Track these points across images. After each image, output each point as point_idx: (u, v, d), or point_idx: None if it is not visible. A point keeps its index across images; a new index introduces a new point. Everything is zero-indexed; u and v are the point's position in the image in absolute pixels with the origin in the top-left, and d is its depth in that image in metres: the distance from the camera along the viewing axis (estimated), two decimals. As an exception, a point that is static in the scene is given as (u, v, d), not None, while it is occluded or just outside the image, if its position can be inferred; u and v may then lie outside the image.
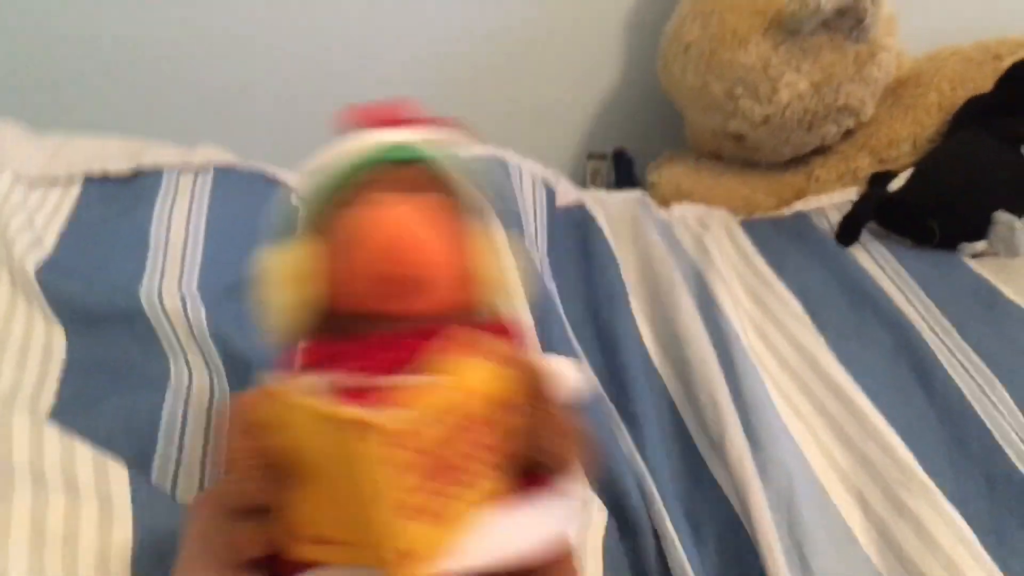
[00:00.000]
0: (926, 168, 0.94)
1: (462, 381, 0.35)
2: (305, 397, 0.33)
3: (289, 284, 0.40)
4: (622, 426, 0.65)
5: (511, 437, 0.36)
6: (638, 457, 0.62)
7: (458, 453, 0.34)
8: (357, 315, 0.39)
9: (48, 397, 0.64)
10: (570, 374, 0.47)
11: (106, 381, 0.65)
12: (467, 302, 0.40)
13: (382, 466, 0.31)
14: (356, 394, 0.35)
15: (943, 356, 0.72)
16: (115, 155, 0.86)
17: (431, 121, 0.45)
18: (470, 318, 0.40)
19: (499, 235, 0.76)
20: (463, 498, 0.34)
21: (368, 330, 0.38)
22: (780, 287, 0.83)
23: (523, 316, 0.71)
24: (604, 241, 0.86)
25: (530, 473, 0.38)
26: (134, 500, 0.51)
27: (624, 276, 0.82)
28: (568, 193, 0.95)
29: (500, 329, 0.42)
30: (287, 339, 0.41)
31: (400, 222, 0.37)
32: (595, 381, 0.69)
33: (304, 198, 0.43)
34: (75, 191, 0.82)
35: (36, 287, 0.70)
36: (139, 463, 0.56)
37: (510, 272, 0.43)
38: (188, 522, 0.39)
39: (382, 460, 0.31)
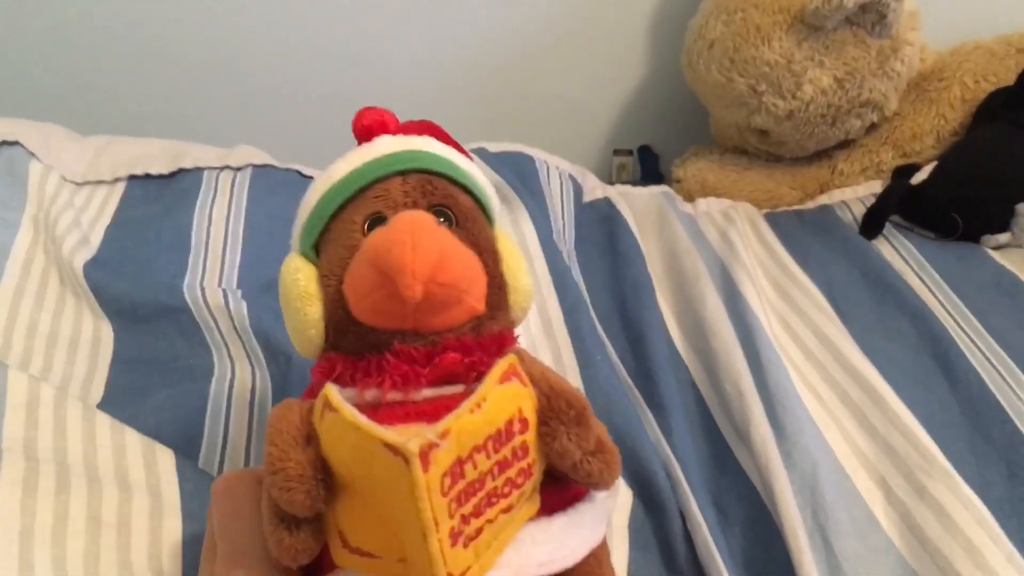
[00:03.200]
0: (949, 161, 0.95)
1: (506, 406, 0.34)
2: (364, 420, 0.32)
3: (303, 299, 0.39)
4: (648, 414, 0.67)
5: (543, 458, 0.37)
6: (664, 444, 0.63)
7: (504, 480, 0.34)
8: (382, 329, 0.37)
9: (97, 390, 0.66)
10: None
11: (153, 374, 0.67)
12: (491, 308, 0.39)
13: (437, 498, 0.31)
14: (392, 412, 0.36)
15: (965, 346, 0.72)
16: (157, 156, 0.89)
17: (425, 129, 0.44)
18: (490, 325, 0.40)
19: (525, 231, 0.78)
20: (509, 523, 0.35)
21: (394, 343, 0.37)
22: (804, 279, 0.84)
23: (549, 311, 0.73)
24: (630, 234, 0.87)
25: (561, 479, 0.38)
26: (181, 487, 0.53)
27: (650, 268, 0.83)
28: (595, 188, 0.97)
29: (511, 335, 0.41)
30: (309, 352, 0.41)
31: (433, 237, 0.35)
32: (621, 370, 0.71)
33: (315, 207, 0.42)
34: (119, 191, 0.85)
35: (84, 284, 0.72)
36: (186, 452, 0.58)
37: (527, 272, 0.43)
38: (218, 506, 0.40)
39: (437, 492, 0.31)
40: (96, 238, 0.79)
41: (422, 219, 0.36)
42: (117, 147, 0.90)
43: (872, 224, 0.90)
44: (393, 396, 0.36)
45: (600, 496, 0.40)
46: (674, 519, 0.58)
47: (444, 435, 0.31)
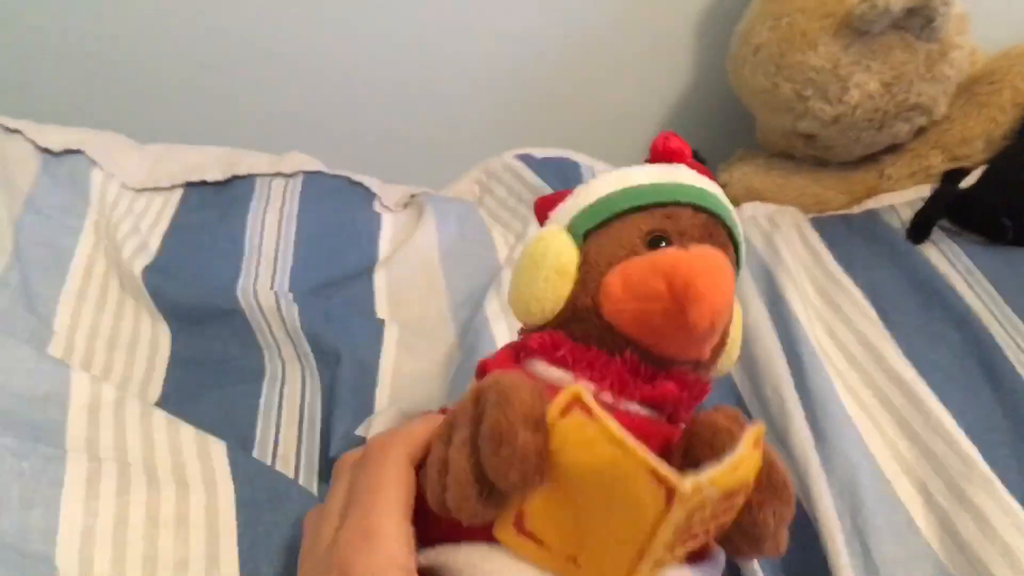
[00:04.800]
0: (999, 165, 0.93)
1: (750, 473, 0.34)
2: (628, 438, 0.32)
3: (558, 272, 0.40)
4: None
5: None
6: (705, 448, 0.64)
7: (710, 527, 0.35)
8: (625, 334, 0.38)
9: (155, 390, 0.69)
10: None
11: (208, 374, 0.70)
12: (713, 355, 0.40)
13: (668, 528, 0.31)
14: (639, 427, 0.36)
15: (1012, 353, 0.72)
16: (212, 164, 0.91)
17: (706, 173, 0.45)
18: (704, 371, 0.41)
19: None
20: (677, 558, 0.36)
21: (627, 351, 0.38)
22: (849, 284, 0.83)
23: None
24: (675, 241, 0.87)
25: None
26: (234, 477, 0.54)
27: (694, 275, 0.83)
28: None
29: (708, 386, 0.42)
30: (530, 320, 0.42)
31: (724, 276, 0.36)
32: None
33: (607, 197, 0.42)
34: (176, 198, 0.88)
35: (143, 288, 0.75)
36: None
37: (740, 329, 0.44)
38: (384, 467, 0.40)
39: (675, 527, 0.32)
40: (154, 243, 0.82)
41: (725, 260, 0.36)
42: (174, 155, 0.93)
43: (920, 229, 0.90)
44: (604, 398, 0.37)
45: (722, 555, 0.41)
46: (711, 521, 0.58)
47: (711, 483, 0.31)
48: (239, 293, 0.74)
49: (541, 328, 0.41)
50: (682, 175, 0.43)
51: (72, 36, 1.08)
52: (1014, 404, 0.67)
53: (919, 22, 0.93)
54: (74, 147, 0.86)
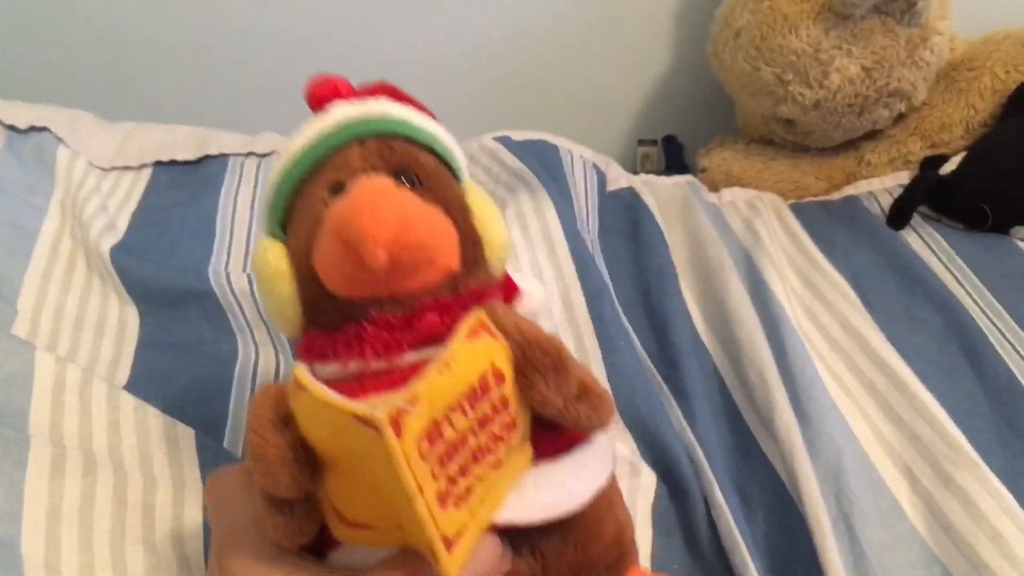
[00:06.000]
0: (979, 151, 0.93)
1: (478, 362, 0.34)
2: (332, 395, 0.32)
3: (274, 278, 0.39)
4: (672, 401, 0.66)
5: (528, 408, 0.37)
6: (688, 431, 0.63)
7: (487, 435, 0.34)
8: (357, 299, 0.37)
9: (123, 372, 0.67)
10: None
11: (178, 357, 0.68)
12: (466, 264, 0.39)
13: (417, 463, 0.31)
14: (377, 380, 0.36)
15: (993, 337, 0.71)
16: (182, 143, 0.89)
17: (381, 91, 0.43)
18: (468, 282, 0.39)
19: (548, 219, 0.78)
20: (500, 478, 0.35)
21: (371, 311, 0.37)
22: (830, 269, 0.83)
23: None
24: (654, 224, 0.87)
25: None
26: (202, 472, 0.53)
27: (674, 258, 0.83)
28: (618, 178, 0.96)
29: (493, 289, 0.41)
30: (290, 331, 0.41)
31: (392, 200, 0.35)
32: (645, 358, 0.71)
33: (276, 184, 0.41)
34: (145, 177, 0.86)
35: (110, 268, 0.73)
36: (210, 435, 0.58)
37: (500, 224, 0.42)
38: (209, 499, 0.41)
39: (415, 457, 0.31)
40: (123, 223, 0.80)
41: (379, 184, 0.36)
42: (144, 133, 0.91)
43: (899, 215, 0.90)
44: (377, 365, 0.36)
45: (600, 439, 0.40)
46: (697, 505, 0.58)
47: (414, 399, 0.31)
48: (210, 275, 0.72)
49: (304, 333, 0.40)
50: (332, 116, 0.41)
51: (40, 12, 1.05)
52: (997, 388, 0.67)
53: (901, 6, 0.92)
54: (40, 124, 0.84)
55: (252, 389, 0.66)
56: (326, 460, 0.35)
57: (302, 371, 0.34)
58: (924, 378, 0.68)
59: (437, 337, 0.36)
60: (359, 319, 0.37)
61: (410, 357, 0.36)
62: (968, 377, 0.69)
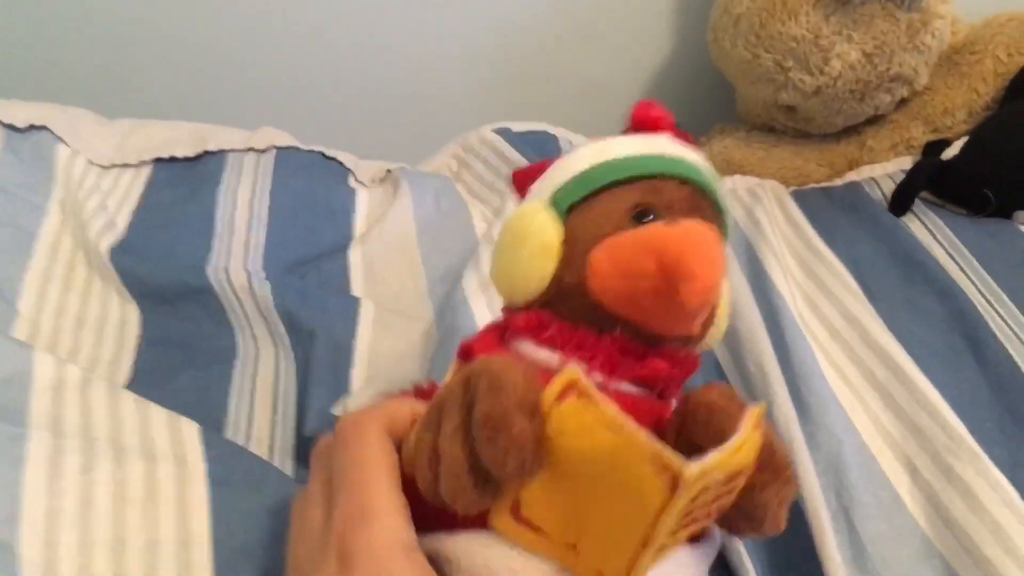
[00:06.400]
0: (981, 136, 0.93)
1: (751, 454, 0.34)
2: (628, 422, 0.31)
3: (542, 252, 0.39)
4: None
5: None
6: (688, 423, 0.63)
7: (708, 510, 0.34)
8: (617, 314, 0.37)
9: (125, 371, 0.67)
10: None
11: (179, 355, 0.68)
12: (702, 330, 0.39)
13: (672, 515, 0.31)
14: (631, 406, 0.34)
15: (996, 325, 0.71)
16: (182, 139, 0.89)
17: (689, 141, 0.43)
18: (692, 346, 0.40)
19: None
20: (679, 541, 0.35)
21: (618, 328, 0.36)
22: (831, 257, 0.83)
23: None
24: (654, 213, 0.86)
25: None
26: (207, 454, 0.52)
27: (674, 247, 0.82)
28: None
29: (697, 361, 0.41)
30: (513, 299, 0.40)
31: (714, 251, 0.35)
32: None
33: (589, 171, 0.41)
34: (145, 175, 0.86)
35: (110, 267, 0.73)
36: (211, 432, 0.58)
37: (729, 307, 0.43)
38: (365, 445, 0.38)
39: (676, 510, 0.31)
40: (122, 221, 0.80)
41: (713, 234, 0.35)
42: (143, 131, 0.91)
43: (901, 201, 0.89)
44: (594, 378, 0.36)
45: (718, 534, 0.40)
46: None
47: (716, 468, 0.31)
48: (210, 272, 0.72)
49: (526, 307, 0.40)
50: (665, 146, 0.41)
51: (40, 10, 1.05)
52: (999, 378, 0.67)
53: (901, -9, 0.92)
54: (39, 122, 0.83)
55: (253, 386, 0.66)
56: (552, 462, 0.34)
57: (586, 379, 0.33)
58: (925, 367, 0.67)
59: (656, 382, 0.37)
60: (601, 329, 0.37)
61: (624, 387, 0.37)
62: (970, 366, 0.68)
